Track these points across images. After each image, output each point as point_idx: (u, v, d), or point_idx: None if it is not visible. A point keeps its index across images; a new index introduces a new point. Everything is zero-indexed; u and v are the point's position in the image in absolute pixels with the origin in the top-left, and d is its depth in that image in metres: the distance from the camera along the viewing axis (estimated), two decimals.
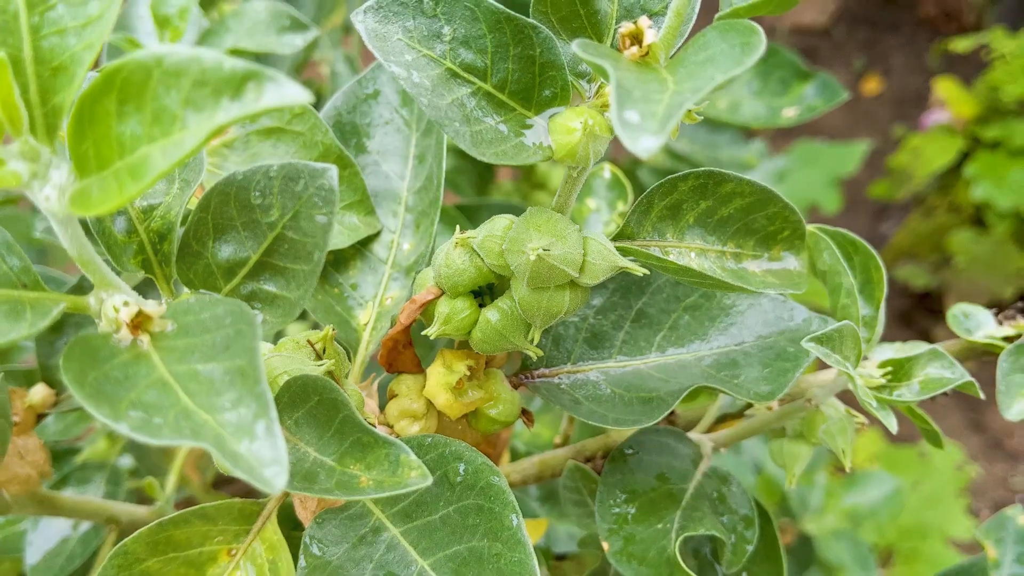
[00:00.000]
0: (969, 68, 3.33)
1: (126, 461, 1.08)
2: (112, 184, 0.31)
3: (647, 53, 0.40)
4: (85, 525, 0.91)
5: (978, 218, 2.82)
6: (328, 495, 0.42)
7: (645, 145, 0.32)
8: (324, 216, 0.43)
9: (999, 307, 0.68)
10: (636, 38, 0.40)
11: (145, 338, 0.37)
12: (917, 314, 3.01)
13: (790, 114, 1.25)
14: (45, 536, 0.92)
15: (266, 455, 0.32)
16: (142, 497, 0.97)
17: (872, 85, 3.64)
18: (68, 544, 0.92)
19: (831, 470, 2.28)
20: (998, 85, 2.76)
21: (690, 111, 0.45)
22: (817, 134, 3.31)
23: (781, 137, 3.27)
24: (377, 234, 0.63)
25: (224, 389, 0.34)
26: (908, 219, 2.99)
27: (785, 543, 1.69)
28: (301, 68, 1.23)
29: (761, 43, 0.35)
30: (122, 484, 1.02)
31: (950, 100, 2.82)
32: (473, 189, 1.50)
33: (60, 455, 1.01)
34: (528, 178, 1.46)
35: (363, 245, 0.63)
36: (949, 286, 2.88)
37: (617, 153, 2.10)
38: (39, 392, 0.69)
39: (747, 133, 1.46)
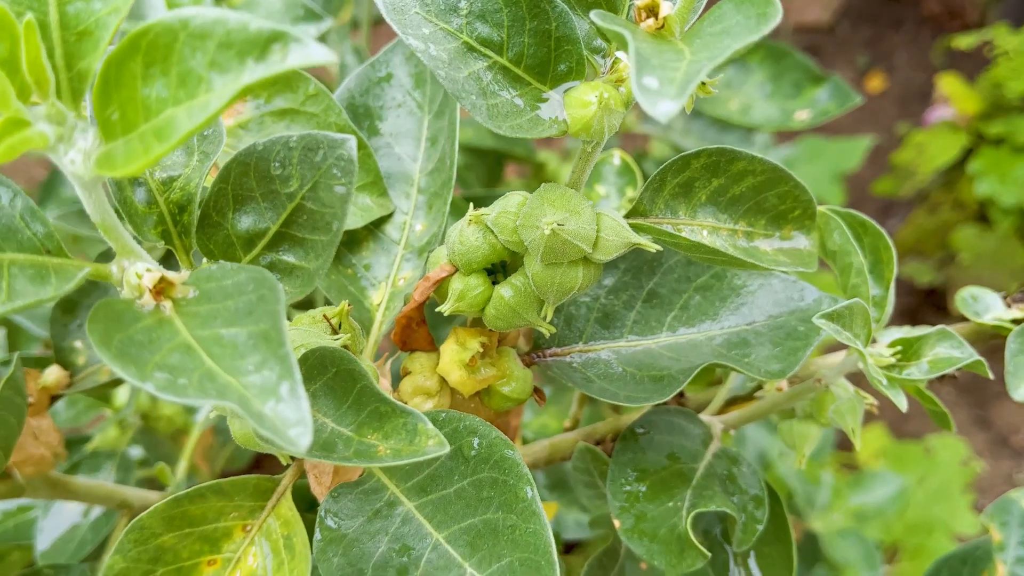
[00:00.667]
0: (972, 65, 3.33)
1: (136, 452, 1.08)
2: (137, 146, 0.32)
3: (663, 25, 0.41)
4: (96, 511, 0.91)
5: (982, 214, 2.82)
6: (347, 463, 0.43)
7: (664, 109, 0.32)
8: (343, 186, 0.44)
9: (1007, 292, 0.69)
10: (652, 10, 0.41)
11: (168, 304, 0.38)
12: (922, 311, 3.01)
13: (803, 117, 1.26)
14: (56, 523, 0.92)
15: (290, 416, 0.33)
16: (153, 486, 0.98)
17: (876, 82, 3.64)
18: (79, 531, 0.92)
19: (837, 468, 2.28)
20: (1001, 81, 2.76)
21: (705, 84, 0.45)
22: (822, 131, 3.31)
23: (786, 134, 3.27)
24: (390, 215, 0.64)
25: (248, 352, 0.35)
26: (912, 216, 2.99)
27: None
28: None
29: (777, 13, 0.36)
30: (132, 472, 1.02)
31: (954, 97, 2.82)
32: (482, 184, 1.50)
33: (71, 443, 1.02)
34: (537, 174, 1.47)
35: (376, 226, 0.63)
36: (954, 282, 2.88)
37: (625, 146, 2.10)
38: (53, 373, 0.70)
39: (752, 129, 1.46)
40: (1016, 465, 2.75)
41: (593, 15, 0.36)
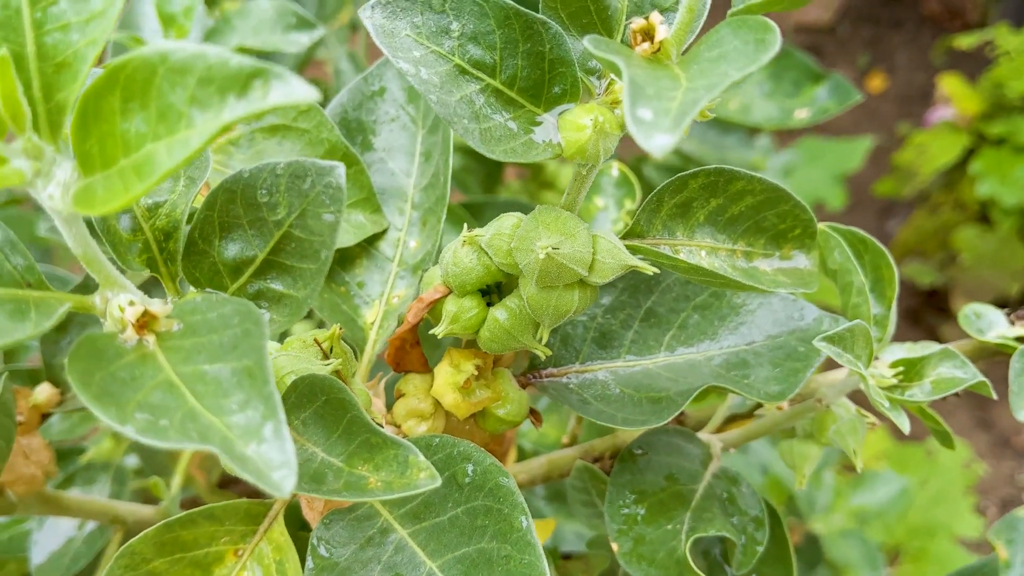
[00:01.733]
0: (974, 65, 3.32)
1: (132, 461, 1.08)
2: (117, 183, 0.31)
3: (659, 49, 0.40)
4: (90, 525, 0.90)
5: (983, 215, 2.81)
6: (336, 496, 0.42)
7: (659, 143, 0.31)
8: (331, 214, 0.43)
9: (1011, 307, 0.68)
10: (648, 34, 0.40)
11: (151, 338, 0.37)
12: (924, 312, 3.01)
13: (802, 115, 1.25)
14: (50, 536, 0.92)
15: (275, 458, 0.32)
16: (148, 497, 0.97)
17: (877, 82, 3.63)
18: (73, 544, 0.91)
19: (839, 469, 2.28)
20: (1003, 81, 2.75)
21: (703, 109, 0.44)
22: (823, 132, 3.30)
23: (786, 134, 3.26)
24: (383, 232, 0.63)
25: (232, 390, 0.34)
26: (913, 216, 2.98)
27: (793, 542, 1.68)
28: (304, 66, 1.23)
29: (776, 40, 0.35)
30: (127, 484, 1.02)
31: (955, 97, 2.81)
32: (481, 188, 1.49)
33: (65, 455, 1.01)
34: (536, 177, 1.46)
35: (369, 243, 0.63)
36: (955, 283, 2.87)
37: (622, 152, 2.10)
38: (44, 391, 0.69)
39: (753, 130, 1.46)
40: (1018, 466, 2.74)
41: (586, 41, 0.35)
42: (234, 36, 0.91)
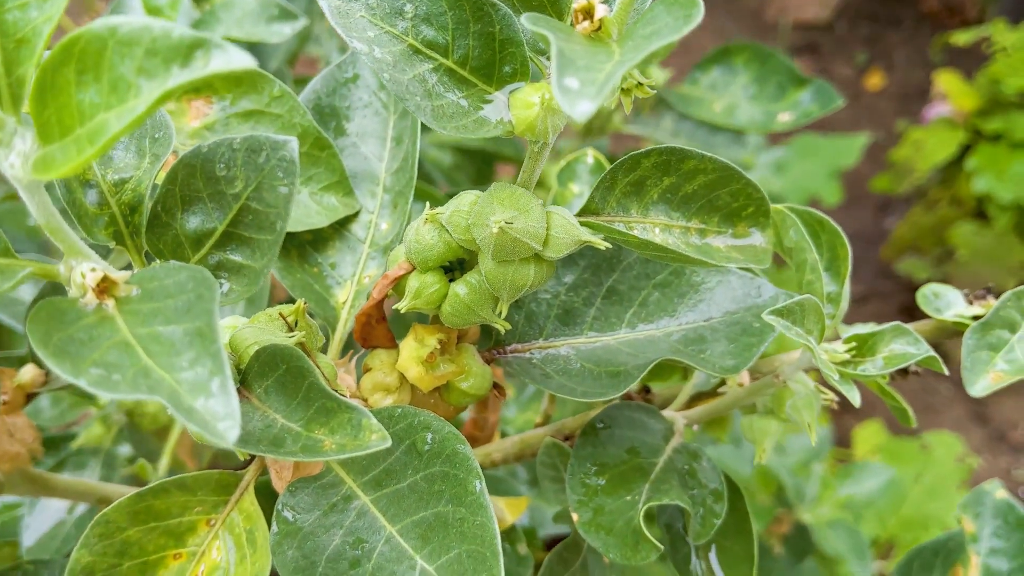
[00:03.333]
0: (971, 61, 3.33)
1: (125, 450, 1.09)
2: (72, 149, 0.33)
3: (599, 28, 0.42)
4: (80, 508, 0.92)
5: (980, 211, 2.82)
6: (292, 458, 0.43)
7: (582, 109, 0.33)
8: (286, 187, 0.45)
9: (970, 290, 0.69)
10: (588, 13, 0.42)
11: (110, 302, 0.39)
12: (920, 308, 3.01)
13: (785, 119, 1.27)
14: (41, 519, 0.94)
15: (219, 410, 0.34)
16: (138, 482, 0.99)
17: (875, 80, 3.64)
18: (64, 527, 0.93)
19: (833, 463, 2.29)
20: (999, 78, 2.76)
21: (642, 85, 0.46)
22: (820, 128, 3.31)
23: (783, 130, 3.27)
24: (356, 214, 0.64)
25: (183, 349, 0.36)
26: (910, 212, 2.99)
27: (782, 533, 1.70)
28: (294, 60, 1.25)
29: (699, 13, 0.36)
30: (117, 469, 1.03)
31: (951, 93, 2.83)
32: (471, 184, 1.51)
33: (56, 441, 1.03)
34: None
35: (342, 225, 0.64)
36: (952, 279, 2.88)
37: (616, 148, 2.11)
38: (28, 372, 0.71)
39: (738, 132, 1.48)
40: (1014, 461, 2.75)
41: (524, 18, 0.37)
42: (219, 27, 0.93)
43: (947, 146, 2.83)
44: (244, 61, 0.30)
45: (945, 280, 2.80)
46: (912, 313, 3.02)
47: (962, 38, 3.03)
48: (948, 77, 2.91)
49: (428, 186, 1.22)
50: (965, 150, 2.83)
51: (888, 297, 3.07)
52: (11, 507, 1.00)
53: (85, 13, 1.16)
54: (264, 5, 0.90)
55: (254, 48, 1.12)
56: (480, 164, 1.55)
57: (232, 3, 0.91)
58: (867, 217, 3.30)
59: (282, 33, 0.89)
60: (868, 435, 2.55)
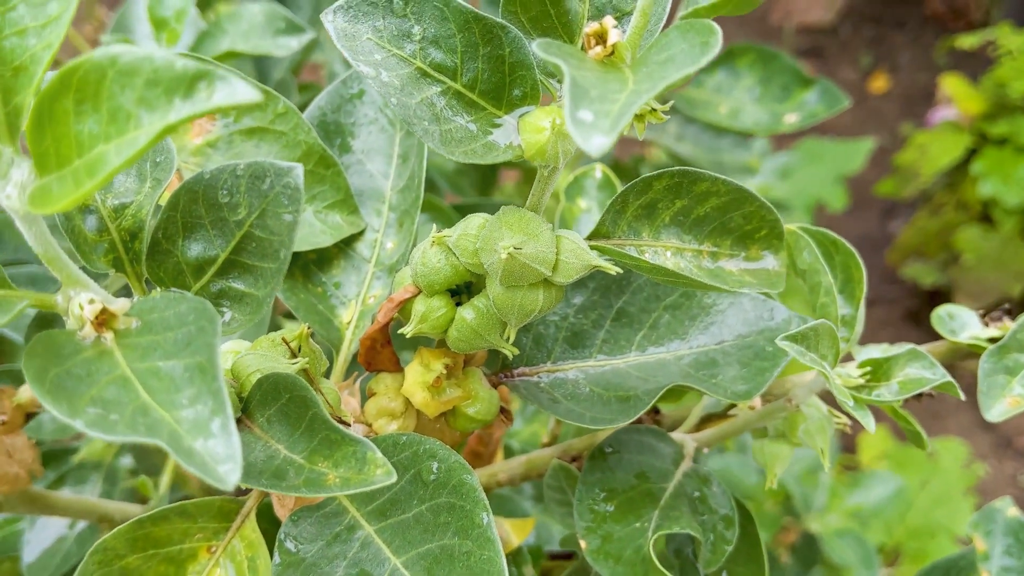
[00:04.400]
0: (976, 65, 3.32)
1: (127, 461, 1.09)
2: (70, 182, 0.32)
3: (612, 53, 0.41)
4: (81, 525, 0.91)
5: (986, 215, 2.81)
6: (295, 492, 0.42)
7: (597, 143, 0.32)
8: (290, 214, 0.44)
9: (1012, 307, 0.68)
10: (601, 37, 0.41)
11: (109, 335, 0.38)
12: (925, 313, 3.00)
13: (791, 120, 1.26)
14: (42, 535, 0.93)
15: (220, 452, 0.33)
16: (140, 497, 0.98)
17: (879, 83, 3.63)
18: (65, 543, 0.92)
19: (839, 470, 2.28)
20: (1005, 81, 2.75)
21: (656, 111, 0.45)
22: (825, 133, 3.30)
23: (787, 136, 3.26)
24: (361, 233, 0.63)
25: (183, 385, 0.35)
26: (915, 217, 2.98)
27: (789, 542, 1.69)
28: (299, 70, 1.24)
29: (717, 42, 0.35)
30: (118, 484, 1.02)
31: (957, 97, 2.81)
32: (475, 191, 1.50)
33: (57, 455, 1.02)
34: (530, 179, 1.46)
35: (347, 244, 0.63)
36: (957, 284, 2.87)
37: (621, 153, 2.10)
38: (27, 391, 0.70)
39: (744, 135, 1.47)
40: (1021, 467, 2.74)
41: (535, 45, 0.36)
42: (225, 40, 0.92)
43: (952, 150, 2.82)
44: (248, 94, 0.29)
45: (951, 285, 2.79)
46: (918, 318, 3.01)
47: (967, 41, 3.02)
48: (953, 80, 2.90)
49: (431, 195, 1.21)
50: (971, 154, 2.81)
51: (894, 302, 3.06)
52: (11, 522, 0.99)
53: (86, 21, 1.15)
54: (271, 18, 0.89)
55: (259, 59, 1.11)
56: (485, 170, 1.54)
57: (239, 15, 0.90)
58: (872, 222, 3.29)
59: (289, 47, 0.88)
60: (874, 441, 2.54)
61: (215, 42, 0.93)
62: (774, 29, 3.82)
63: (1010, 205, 2.68)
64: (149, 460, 1.08)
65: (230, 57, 0.90)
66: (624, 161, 1.66)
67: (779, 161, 2.01)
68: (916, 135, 2.94)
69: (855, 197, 3.23)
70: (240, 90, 0.30)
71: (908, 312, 3.01)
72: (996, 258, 2.80)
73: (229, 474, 0.32)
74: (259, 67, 1.14)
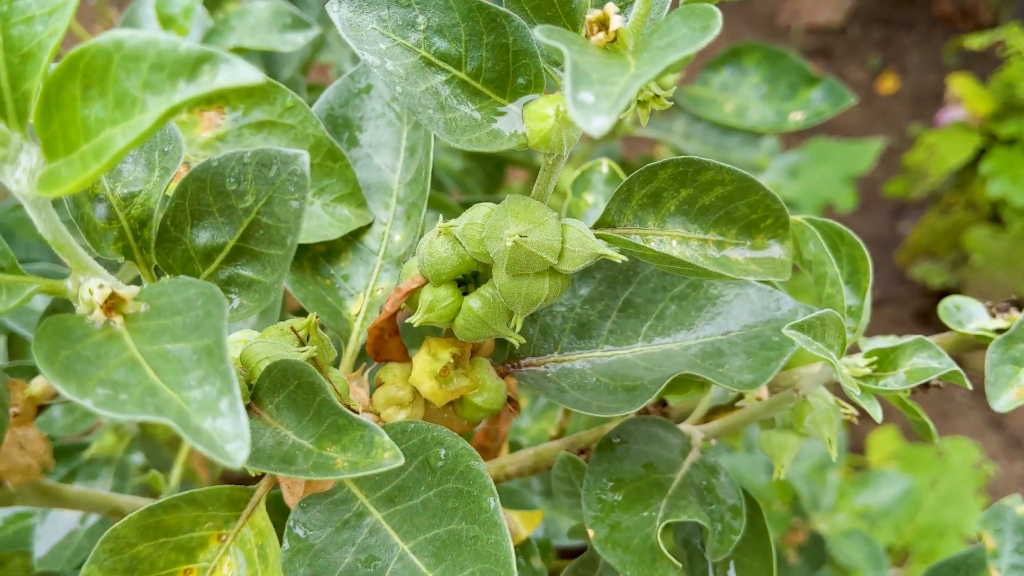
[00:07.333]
0: (985, 65, 3.31)
1: (138, 458, 1.09)
2: (78, 165, 0.32)
3: (615, 39, 0.41)
4: (92, 519, 0.92)
5: (995, 215, 2.80)
6: (304, 476, 0.43)
7: (597, 124, 0.32)
8: (297, 201, 0.44)
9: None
10: (603, 24, 0.41)
11: (118, 319, 0.38)
12: (936, 312, 2.99)
13: (797, 118, 1.26)
14: (53, 529, 0.93)
15: (229, 430, 0.33)
16: (151, 492, 0.98)
17: (888, 83, 3.62)
18: (76, 537, 0.93)
19: (848, 470, 2.27)
20: (1014, 82, 2.75)
21: (658, 96, 0.45)
22: (833, 133, 3.30)
23: (795, 135, 3.26)
24: (369, 226, 0.64)
25: (191, 367, 0.35)
26: (925, 217, 2.97)
27: (797, 542, 1.68)
28: (308, 68, 1.24)
29: (717, 25, 0.36)
30: (130, 478, 1.03)
31: (966, 97, 2.81)
32: (482, 189, 1.50)
33: (69, 451, 1.03)
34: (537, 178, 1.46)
35: (355, 236, 0.64)
36: (967, 284, 2.86)
37: (629, 153, 2.10)
38: (39, 383, 0.70)
39: (751, 133, 1.47)
40: None
41: (537, 31, 0.37)
42: (232, 36, 0.93)
43: (962, 150, 2.81)
44: (251, 75, 0.30)
45: (960, 285, 2.78)
46: (928, 318, 3.00)
47: (976, 42, 3.01)
48: (962, 81, 2.89)
49: (439, 193, 1.21)
50: (980, 154, 2.81)
51: (903, 302, 3.05)
52: (23, 516, 0.99)
53: (96, 21, 1.16)
54: (277, 14, 0.89)
55: (267, 57, 1.12)
56: (492, 169, 1.54)
57: (246, 12, 0.90)
58: (881, 222, 3.29)
59: (295, 42, 0.89)
60: (883, 441, 2.53)
61: (222, 39, 0.94)
62: (782, 29, 3.82)
63: (1019, 205, 2.67)
64: (159, 455, 1.08)
65: (237, 53, 0.90)
66: (632, 161, 1.66)
67: (788, 160, 2.00)
68: (925, 135, 2.93)
69: (864, 197, 3.22)
70: (242, 72, 0.30)
71: (918, 312, 3.00)
72: (1005, 258, 2.79)
73: (237, 452, 0.32)
74: (268, 66, 1.15)
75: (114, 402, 0.34)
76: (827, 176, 2.98)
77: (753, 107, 1.27)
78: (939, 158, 2.80)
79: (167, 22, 0.93)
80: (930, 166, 2.81)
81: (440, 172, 1.45)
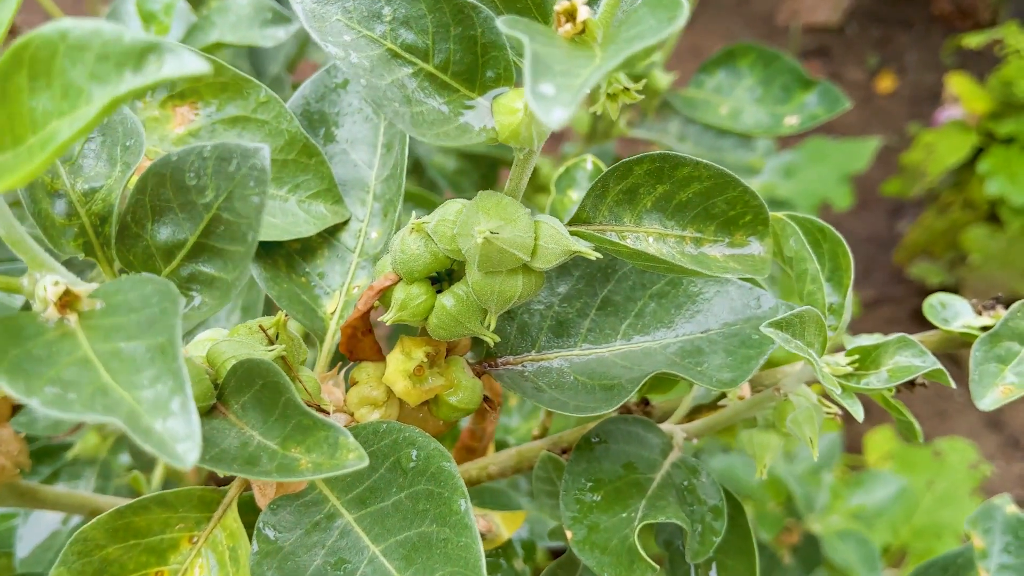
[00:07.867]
0: (983, 64, 3.30)
1: (125, 459, 1.08)
2: (24, 157, 0.31)
3: (582, 30, 0.40)
4: (75, 519, 0.91)
5: (993, 214, 2.79)
6: (267, 477, 0.42)
7: (557, 116, 0.31)
8: (257, 196, 0.43)
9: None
10: (571, 15, 0.40)
11: (73, 317, 0.37)
12: None
13: (792, 122, 1.25)
14: (35, 530, 0.93)
15: (180, 431, 0.32)
16: (135, 493, 0.97)
17: (886, 83, 3.62)
18: (58, 538, 0.92)
19: (844, 471, 2.26)
20: (1012, 80, 2.74)
21: (628, 90, 0.44)
22: (831, 132, 3.29)
23: (792, 135, 3.25)
24: (345, 223, 0.63)
25: (144, 366, 0.34)
26: (922, 216, 2.96)
27: (791, 543, 1.67)
28: (295, 65, 1.23)
29: (683, 16, 0.35)
30: (113, 479, 1.02)
31: (964, 96, 2.80)
32: (475, 190, 1.50)
33: (52, 451, 1.02)
34: (531, 180, 1.46)
35: (331, 234, 0.63)
36: (965, 283, 2.85)
37: (622, 153, 2.09)
38: None
39: (745, 136, 1.46)
40: None
41: (499, 21, 0.36)
42: (214, 32, 0.92)
43: (959, 149, 2.80)
44: (197, 66, 0.29)
45: (958, 284, 2.77)
46: (924, 319, 3.00)
47: (974, 40, 3.00)
48: (960, 80, 2.88)
49: (431, 193, 1.21)
50: (977, 153, 2.80)
51: (900, 302, 3.04)
52: (5, 517, 0.98)
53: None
54: (258, 9, 0.89)
55: (254, 55, 1.11)
56: (485, 170, 1.53)
57: (226, 8, 0.89)
58: (879, 221, 3.28)
59: (276, 37, 0.88)
60: (879, 441, 2.52)
61: (204, 35, 0.93)
62: (780, 29, 3.81)
63: (1017, 204, 2.66)
64: (145, 455, 1.07)
65: (218, 48, 0.90)
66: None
67: (783, 160, 1.99)
68: (923, 134, 2.92)
69: (861, 196, 3.21)
70: (188, 62, 0.29)
71: (915, 311, 2.99)
72: (1003, 257, 2.78)
73: (187, 453, 0.32)
74: (254, 63, 1.14)
75: (62, 401, 0.33)
76: (824, 175, 2.97)
77: (748, 110, 1.26)
78: (937, 157, 2.79)
79: (148, 18, 0.92)
80: (928, 165, 2.80)
81: (434, 173, 1.44)
